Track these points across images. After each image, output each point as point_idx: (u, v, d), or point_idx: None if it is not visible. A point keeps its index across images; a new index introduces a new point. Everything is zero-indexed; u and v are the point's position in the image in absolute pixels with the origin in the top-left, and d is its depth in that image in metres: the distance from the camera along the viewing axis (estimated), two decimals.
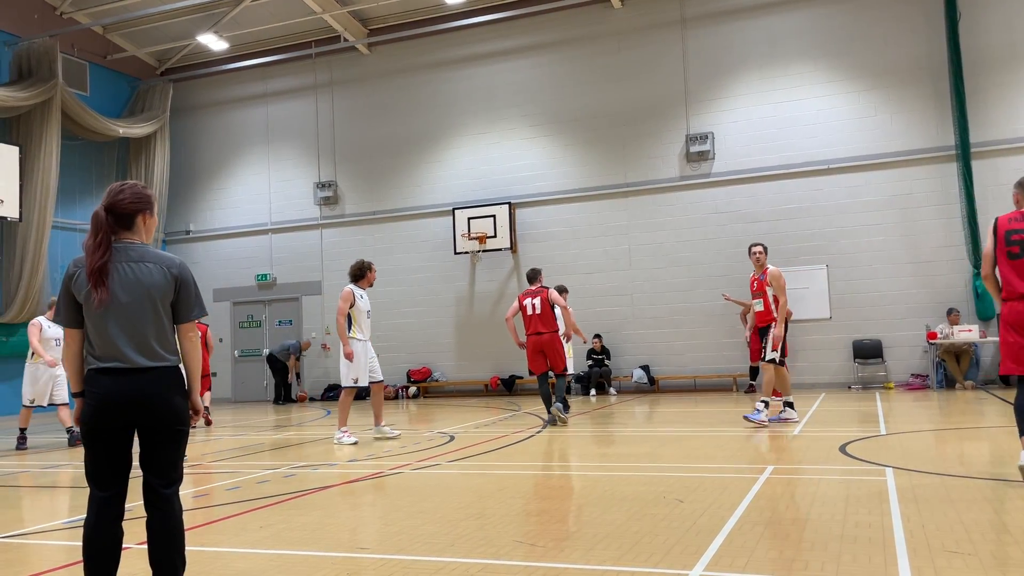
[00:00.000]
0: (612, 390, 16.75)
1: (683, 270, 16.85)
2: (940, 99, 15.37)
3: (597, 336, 16.74)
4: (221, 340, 20.15)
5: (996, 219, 5.87)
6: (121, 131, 19.32)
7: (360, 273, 9.72)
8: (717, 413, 12.02)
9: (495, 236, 17.87)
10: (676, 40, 17.25)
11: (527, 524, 4.93)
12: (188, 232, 21.43)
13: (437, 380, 18.70)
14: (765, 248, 9.88)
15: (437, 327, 18.71)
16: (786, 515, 4.82)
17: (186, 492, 6.66)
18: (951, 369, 14.72)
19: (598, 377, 16.67)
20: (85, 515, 3.31)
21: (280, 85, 20.69)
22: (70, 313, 3.30)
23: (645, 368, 16.84)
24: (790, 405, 9.81)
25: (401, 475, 7.05)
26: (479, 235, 18.00)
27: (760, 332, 9.91)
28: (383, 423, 9.79)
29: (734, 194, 16.67)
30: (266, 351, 19.99)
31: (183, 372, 3.40)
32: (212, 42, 19.71)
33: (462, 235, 18.18)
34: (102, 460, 3.27)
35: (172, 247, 21.55)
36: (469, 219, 18.16)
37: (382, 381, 9.85)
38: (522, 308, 11.02)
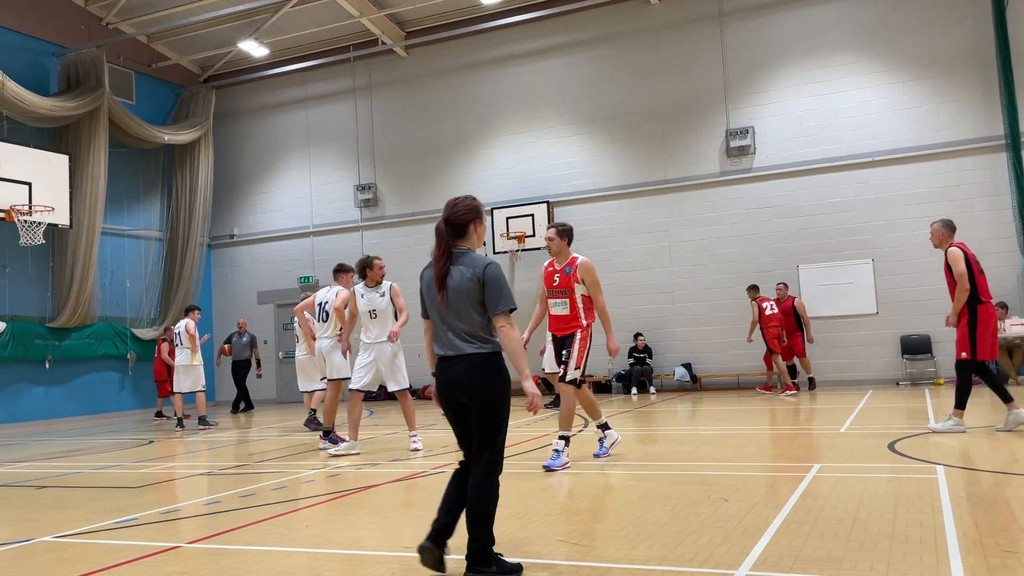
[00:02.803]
0: (652, 388, 16.61)
1: (725, 266, 16.66)
2: (988, 88, 14.99)
3: (640, 334, 16.63)
4: (266, 342, 20.47)
5: (960, 249, 8.56)
6: (166, 138, 19.70)
7: (361, 272, 8.95)
8: (761, 412, 11.87)
9: (533, 235, 17.85)
10: (714, 34, 17.07)
11: (570, 523, 4.92)
12: (232, 236, 21.77)
13: None
14: (560, 231, 7.41)
15: None
16: (834, 514, 4.74)
17: (232, 492, 6.77)
18: (1003, 364, 14.35)
19: (639, 375, 16.56)
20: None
21: (320, 89, 20.93)
22: (423, 306, 4.05)
23: (687, 366, 16.69)
24: (606, 427, 7.76)
25: (444, 475, 7.08)
26: (518, 234, 18.02)
27: (559, 342, 7.33)
28: (414, 430, 9.01)
29: (776, 188, 16.44)
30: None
31: (505, 358, 3.91)
32: (253, 48, 20.02)
33: (501, 235, 18.21)
34: (454, 430, 4.01)
35: (217, 251, 21.93)
36: (508, 218, 18.19)
37: (406, 389, 9.07)
38: None
